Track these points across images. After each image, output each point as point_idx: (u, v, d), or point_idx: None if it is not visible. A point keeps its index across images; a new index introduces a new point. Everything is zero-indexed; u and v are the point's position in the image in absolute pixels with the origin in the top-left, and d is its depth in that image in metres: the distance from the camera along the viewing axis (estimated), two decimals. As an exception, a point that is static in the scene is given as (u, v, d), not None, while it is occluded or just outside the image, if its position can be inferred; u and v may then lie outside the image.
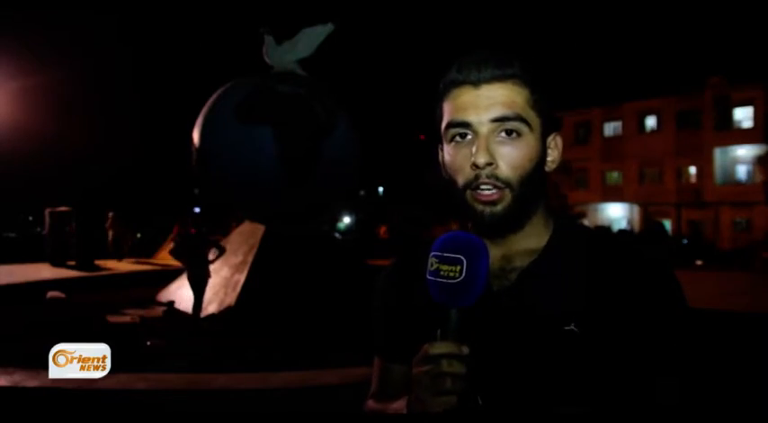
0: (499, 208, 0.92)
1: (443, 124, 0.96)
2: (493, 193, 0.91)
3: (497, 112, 0.91)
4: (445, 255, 0.85)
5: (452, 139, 0.94)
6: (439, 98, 0.98)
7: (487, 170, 0.90)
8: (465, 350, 0.80)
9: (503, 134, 0.92)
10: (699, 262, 15.89)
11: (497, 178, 0.91)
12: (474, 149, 0.91)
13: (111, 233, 16.01)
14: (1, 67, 18.25)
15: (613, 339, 0.89)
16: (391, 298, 1.07)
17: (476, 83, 0.93)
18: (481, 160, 0.90)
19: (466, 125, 0.92)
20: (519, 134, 0.92)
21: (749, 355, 4.81)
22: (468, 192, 0.93)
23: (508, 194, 0.91)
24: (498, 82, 0.92)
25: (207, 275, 6.84)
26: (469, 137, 0.93)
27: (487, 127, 0.91)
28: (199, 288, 6.75)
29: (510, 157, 0.91)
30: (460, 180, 0.93)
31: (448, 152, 0.96)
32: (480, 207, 0.92)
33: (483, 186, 0.91)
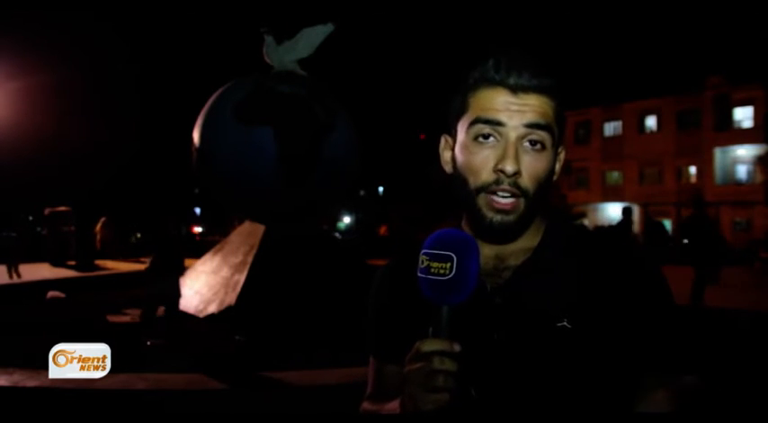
0: (512, 217, 0.91)
1: (468, 119, 0.94)
2: (510, 202, 0.91)
3: (531, 118, 0.91)
4: (435, 252, 0.85)
5: (475, 138, 0.93)
6: (463, 91, 0.96)
7: (512, 178, 0.90)
8: (456, 347, 0.80)
9: (527, 144, 0.91)
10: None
11: (518, 187, 0.90)
12: (500, 154, 0.90)
13: (99, 237, 16.01)
14: (1, 67, 18.22)
15: (605, 335, 0.91)
16: (385, 298, 1.08)
17: (513, 88, 0.91)
18: (510, 168, 0.89)
19: (497, 124, 0.91)
20: (543, 146, 0.92)
21: (749, 354, 4.82)
22: (483, 195, 0.92)
23: (522, 203, 0.91)
24: (535, 92, 0.91)
25: None
26: (493, 139, 0.92)
27: (518, 132, 0.90)
28: None
29: (533, 169, 0.91)
30: (476, 181, 0.92)
31: (466, 148, 0.94)
32: (491, 214, 0.92)
33: (501, 193, 0.90)
